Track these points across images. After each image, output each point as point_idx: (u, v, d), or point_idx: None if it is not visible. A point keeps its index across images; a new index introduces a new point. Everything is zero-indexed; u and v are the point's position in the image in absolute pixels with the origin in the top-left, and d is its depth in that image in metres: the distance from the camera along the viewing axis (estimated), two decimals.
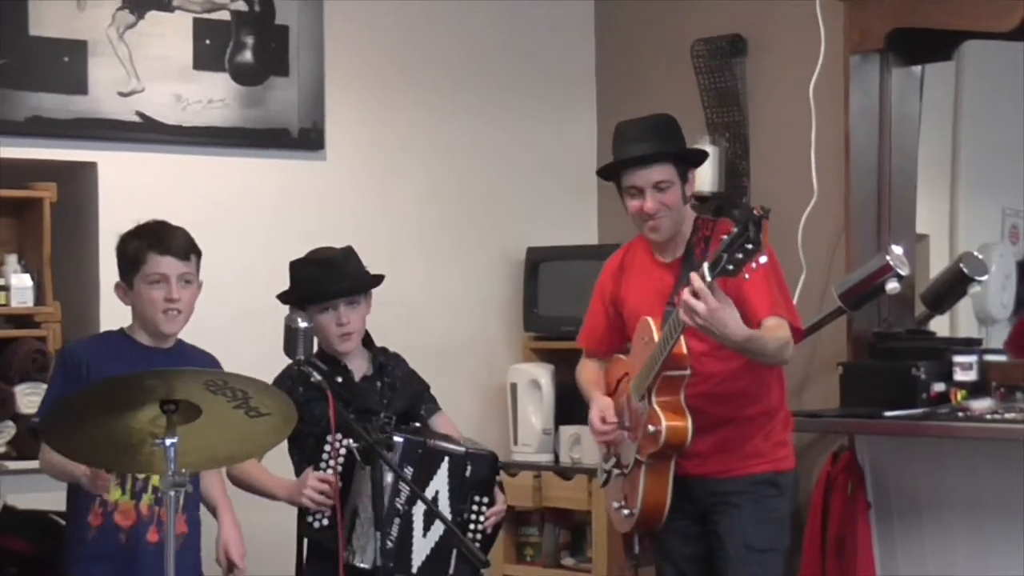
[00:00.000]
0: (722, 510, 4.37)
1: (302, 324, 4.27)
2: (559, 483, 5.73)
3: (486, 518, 4.45)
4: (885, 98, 5.44)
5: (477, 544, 4.42)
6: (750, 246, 3.81)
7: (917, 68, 5.52)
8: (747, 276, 3.89)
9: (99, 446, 3.68)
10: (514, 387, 5.95)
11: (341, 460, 4.32)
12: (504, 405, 5.99)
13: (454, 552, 4.39)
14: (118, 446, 3.67)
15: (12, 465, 4.87)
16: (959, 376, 5.03)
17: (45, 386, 4.62)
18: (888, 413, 4.94)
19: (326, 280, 4.52)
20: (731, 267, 3.84)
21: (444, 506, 4.38)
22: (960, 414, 4.87)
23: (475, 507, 4.44)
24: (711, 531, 4.41)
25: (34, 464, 4.27)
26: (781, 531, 4.43)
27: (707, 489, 4.39)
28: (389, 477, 4.27)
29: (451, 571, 4.41)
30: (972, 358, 5.05)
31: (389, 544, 4.25)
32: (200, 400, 3.58)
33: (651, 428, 4.20)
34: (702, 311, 3.93)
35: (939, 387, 5.02)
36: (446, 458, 4.41)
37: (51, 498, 4.36)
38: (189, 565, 4.19)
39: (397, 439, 4.33)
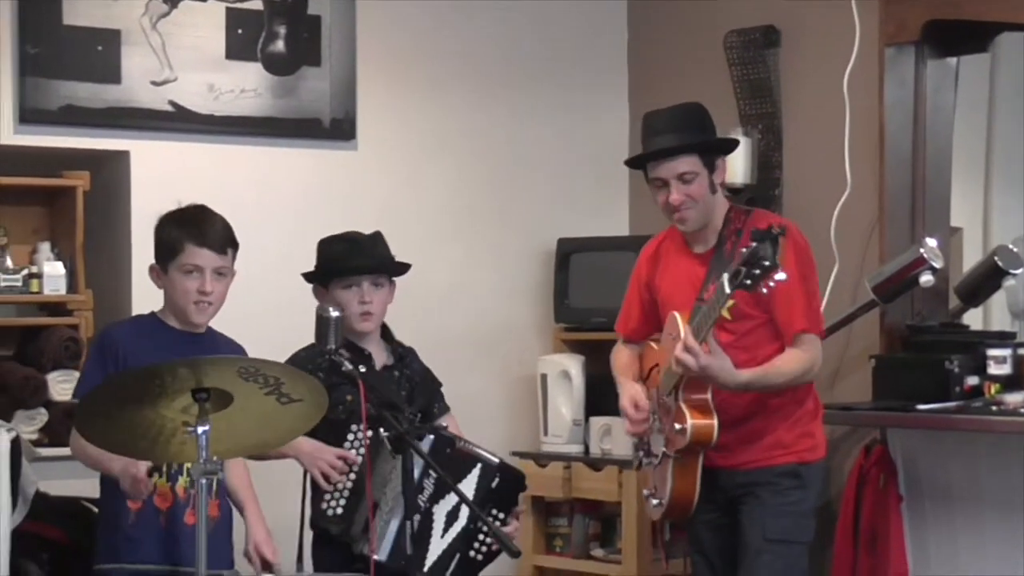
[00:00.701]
0: (745, 501, 4.37)
1: (333, 313, 4.26)
2: (589, 474, 5.72)
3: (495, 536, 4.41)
4: (920, 90, 5.41)
5: (480, 558, 4.41)
6: (767, 263, 3.82)
7: (952, 60, 5.49)
8: (765, 291, 3.92)
9: (132, 435, 3.68)
10: (544, 378, 5.94)
11: (362, 452, 4.32)
12: (534, 396, 5.98)
13: (456, 558, 4.38)
14: (150, 435, 3.67)
15: (45, 452, 4.89)
16: (993, 370, 5.00)
17: (77, 374, 4.64)
18: (921, 406, 4.92)
19: (352, 256, 4.56)
20: (748, 282, 3.86)
21: (463, 511, 4.36)
22: (994, 408, 4.84)
23: (490, 519, 4.40)
24: (736, 523, 4.40)
25: (66, 451, 4.27)
26: (801, 523, 4.39)
27: (734, 480, 4.38)
28: (417, 472, 4.26)
29: (448, 574, 4.40)
30: (1006, 351, 5.02)
31: (407, 539, 4.22)
32: (232, 387, 3.58)
33: (677, 426, 4.21)
34: (692, 365, 4.08)
35: (972, 380, 5.00)
36: (479, 465, 4.41)
37: (83, 485, 4.37)
38: (221, 549, 4.20)
39: (427, 435, 4.34)
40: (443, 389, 4.77)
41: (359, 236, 4.65)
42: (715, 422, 4.20)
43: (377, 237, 4.66)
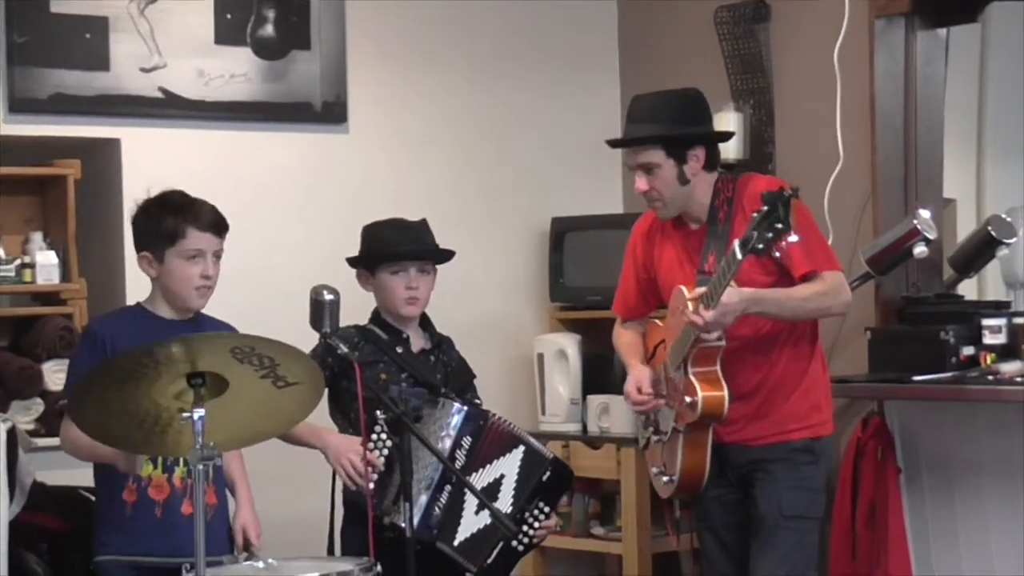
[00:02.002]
0: (759, 477, 4.36)
1: (328, 297, 4.26)
2: (588, 452, 5.72)
3: (540, 527, 4.44)
4: (910, 61, 5.41)
5: (521, 548, 4.42)
6: (780, 226, 3.80)
7: (942, 31, 5.48)
8: (777, 254, 3.91)
9: (127, 425, 3.66)
10: (541, 357, 5.94)
11: (385, 453, 4.32)
12: (531, 375, 5.98)
13: (500, 544, 4.37)
14: (145, 425, 3.66)
15: (41, 442, 4.87)
16: (988, 339, 5.00)
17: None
18: (917, 378, 4.93)
19: (401, 241, 4.58)
20: (760, 246, 3.84)
21: (507, 494, 4.38)
22: (990, 377, 4.85)
23: (537, 511, 4.43)
24: (748, 498, 4.40)
25: None
26: (814, 499, 4.40)
27: (745, 456, 4.37)
28: (448, 443, 4.29)
29: (490, 561, 4.39)
30: (1001, 321, 5.02)
31: (437, 510, 4.27)
32: (226, 371, 3.57)
33: (688, 399, 4.20)
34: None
35: (968, 351, 5.00)
36: (521, 447, 4.42)
37: (80, 474, 4.37)
38: (219, 535, 4.19)
39: (460, 406, 4.36)
40: None
41: (407, 222, 4.67)
42: (725, 394, 4.18)
43: (423, 224, 4.68)
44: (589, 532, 5.85)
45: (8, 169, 5.16)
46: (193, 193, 4.27)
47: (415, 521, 4.21)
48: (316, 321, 4.26)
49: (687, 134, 4.34)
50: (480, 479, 4.34)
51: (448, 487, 4.31)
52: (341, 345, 4.27)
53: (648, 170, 4.32)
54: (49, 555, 4.68)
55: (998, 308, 5.19)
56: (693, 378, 4.19)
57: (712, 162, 4.37)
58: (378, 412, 4.29)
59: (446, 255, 4.69)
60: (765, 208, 3.82)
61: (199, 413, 3.51)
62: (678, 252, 4.40)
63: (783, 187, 3.84)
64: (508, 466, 4.40)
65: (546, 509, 4.44)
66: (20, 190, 5.33)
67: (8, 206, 5.31)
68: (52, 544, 4.72)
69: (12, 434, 4.55)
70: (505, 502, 4.38)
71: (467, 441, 4.33)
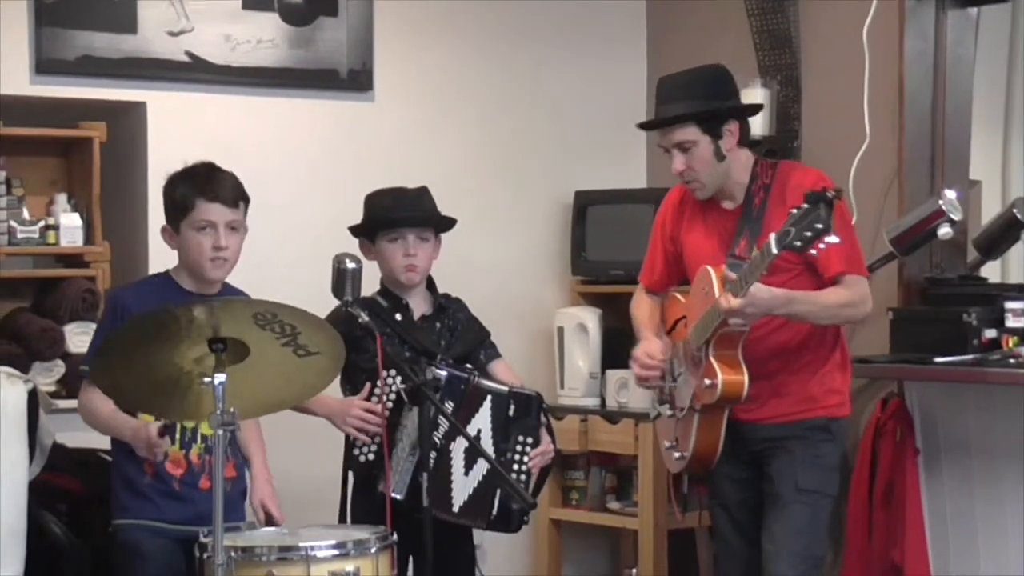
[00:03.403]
0: (775, 454, 4.36)
1: (350, 265, 4.27)
2: (606, 427, 5.72)
3: (530, 458, 4.46)
4: (940, 41, 5.38)
5: (523, 484, 4.43)
6: (820, 226, 3.79)
7: (973, 11, 5.44)
8: (815, 253, 3.91)
9: (147, 389, 3.69)
10: (561, 331, 5.94)
11: (392, 397, 4.34)
12: (551, 349, 5.98)
13: (497, 493, 4.41)
14: (166, 389, 3.68)
15: (62, 404, 4.89)
16: (1011, 322, 4.98)
17: (94, 325, 4.64)
18: (938, 359, 4.91)
19: (398, 208, 4.58)
20: (798, 243, 3.83)
21: (487, 445, 4.40)
22: (1011, 360, 4.83)
23: (519, 447, 4.46)
24: (763, 474, 4.40)
25: None
26: (830, 476, 4.41)
27: (760, 435, 4.37)
28: (432, 411, 4.30)
29: (494, 513, 4.43)
30: None
31: (421, 480, 4.26)
32: (248, 337, 3.58)
33: (707, 382, 4.19)
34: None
35: (990, 333, 4.99)
36: (488, 396, 4.43)
37: (101, 437, 4.38)
38: (237, 508, 4.22)
39: (441, 372, 4.35)
40: None
41: (405, 190, 4.65)
42: (745, 379, 4.18)
43: (423, 191, 4.66)
44: (605, 507, 5.86)
45: (34, 130, 5.16)
46: (217, 158, 4.27)
47: (403, 489, 4.27)
48: (338, 289, 4.28)
49: (721, 108, 4.34)
50: (462, 441, 4.35)
51: (434, 454, 4.31)
52: (362, 314, 4.29)
53: (684, 149, 4.31)
54: (68, 516, 4.71)
55: (1021, 291, 5.16)
56: (714, 360, 4.19)
57: (745, 137, 4.37)
58: (399, 379, 4.31)
59: (446, 222, 4.66)
60: (806, 206, 3.80)
61: (220, 379, 3.52)
62: (708, 230, 4.39)
63: (827, 187, 3.83)
64: (483, 420, 4.42)
65: (528, 440, 4.46)
66: (46, 151, 5.34)
67: (33, 167, 5.31)
68: (71, 505, 4.75)
69: (33, 395, 4.57)
70: (488, 450, 4.38)
71: (448, 407, 4.33)
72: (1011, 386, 4.86)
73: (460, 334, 4.62)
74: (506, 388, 4.47)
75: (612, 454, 5.80)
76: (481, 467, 4.38)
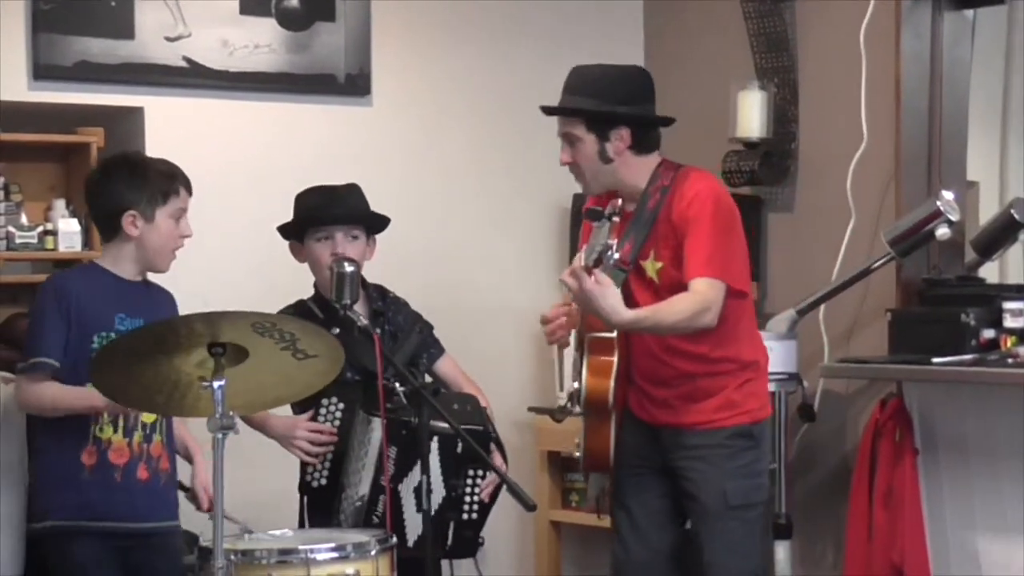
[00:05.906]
0: (695, 465, 4.28)
1: (348, 268, 4.28)
2: None
3: (481, 489, 4.41)
4: (937, 42, 5.39)
5: (473, 516, 4.40)
6: (599, 246, 3.80)
7: (969, 12, 5.45)
8: (625, 271, 3.98)
9: (148, 391, 3.71)
10: None
11: (336, 423, 4.33)
12: (550, 351, 5.96)
13: (452, 524, 4.37)
14: (166, 389, 3.70)
15: None
16: (1009, 323, 4.99)
17: None
18: (937, 360, 4.92)
19: (325, 206, 4.48)
20: (591, 260, 3.83)
21: (437, 482, 4.30)
22: (1010, 361, 4.84)
23: (469, 480, 4.40)
24: (681, 485, 4.32)
25: None
26: (758, 484, 4.35)
27: (679, 441, 4.30)
28: (374, 456, 4.25)
29: (449, 543, 4.39)
30: (1022, 304, 5.01)
31: (375, 520, 4.23)
32: (247, 342, 3.60)
33: (575, 384, 4.19)
34: (574, 287, 3.92)
35: (988, 334, 4.99)
36: (435, 437, 4.31)
37: None
38: (172, 500, 4.22)
39: (379, 421, 4.25)
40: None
41: (334, 187, 4.57)
42: (611, 385, 4.13)
43: (353, 188, 4.57)
44: (604, 508, 5.85)
45: (32, 136, 5.17)
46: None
47: (355, 524, 4.24)
48: (338, 293, 4.27)
49: (610, 112, 4.25)
50: (411, 480, 4.28)
51: (382, 497, 4.25)
52: (360, 318, 4.29)
53: (570, 142, 4.29)
54: None
55: (1019, 291, 5.17)
56: (585, 363, 4.17)
57: (644, 145, 4.28)
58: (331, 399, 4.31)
59: (377, 220, 4.54)
60: (596, 224, 3.81)
61: (219, 383, 3.53)
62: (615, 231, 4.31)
63: (607, 206, 3.84)
64: (432, 461, 4.28)
65: (479, 473, 4.40)
66: (44, 157, 5.35)
67: (31, 173, 5.32)
68: None
69: None
70: (439, 492, 4.32)
71: (393, 451, 4.25)
72: (1010, 386, 4.86)
73: (401, 341, 4.52)
74: (448, 427, 4.28)
75: None
76: (434, 503, 4.26)
